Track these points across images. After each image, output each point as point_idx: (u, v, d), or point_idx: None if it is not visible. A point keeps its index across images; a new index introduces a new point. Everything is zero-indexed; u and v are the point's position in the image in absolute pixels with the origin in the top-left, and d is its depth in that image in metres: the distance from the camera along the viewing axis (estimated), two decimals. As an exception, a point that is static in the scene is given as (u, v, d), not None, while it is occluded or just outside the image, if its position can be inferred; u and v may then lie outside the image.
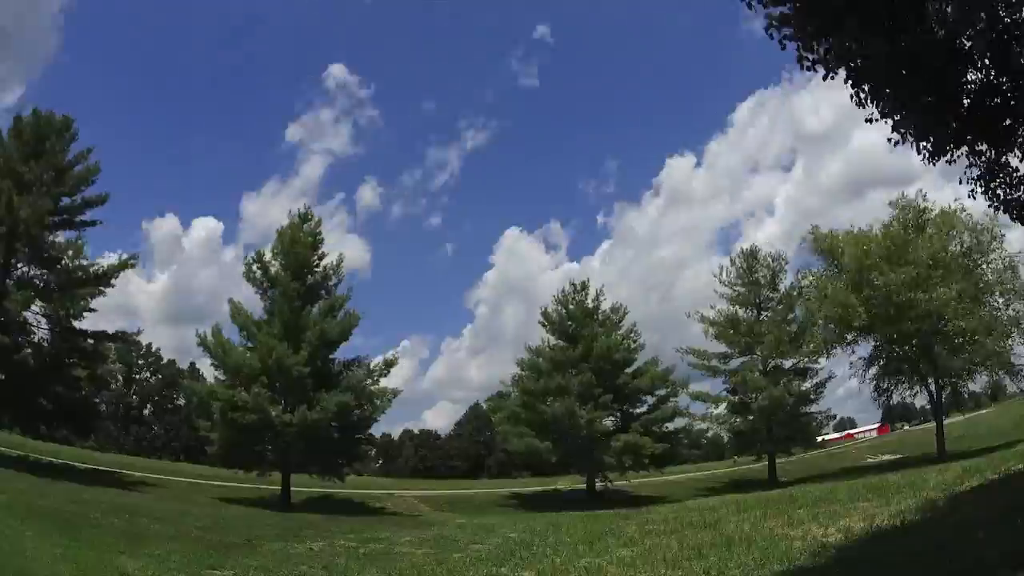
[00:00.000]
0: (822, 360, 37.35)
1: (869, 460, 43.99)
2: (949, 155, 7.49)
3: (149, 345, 73.28)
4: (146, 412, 75.53)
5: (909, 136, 7.36)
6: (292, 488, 29.07)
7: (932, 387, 32.94)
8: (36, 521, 12.50)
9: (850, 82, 7.01)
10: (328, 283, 31.16)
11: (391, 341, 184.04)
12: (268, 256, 30.84)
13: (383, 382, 30.46)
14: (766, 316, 39.85)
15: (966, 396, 41.72)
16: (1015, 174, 7.49)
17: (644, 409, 38.71)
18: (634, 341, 38.81)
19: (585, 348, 37.25)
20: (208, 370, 38.04)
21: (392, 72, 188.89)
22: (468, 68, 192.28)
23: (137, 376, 75.57)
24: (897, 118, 7.19)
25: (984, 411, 57.07)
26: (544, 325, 39.74)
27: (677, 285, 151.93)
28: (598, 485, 37.35)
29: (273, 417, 26.75)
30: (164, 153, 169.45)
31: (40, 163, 27.55)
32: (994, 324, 30.05)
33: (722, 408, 39.94)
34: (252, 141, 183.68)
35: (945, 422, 35.27)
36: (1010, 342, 30.53)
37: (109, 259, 29.88)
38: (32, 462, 26.48)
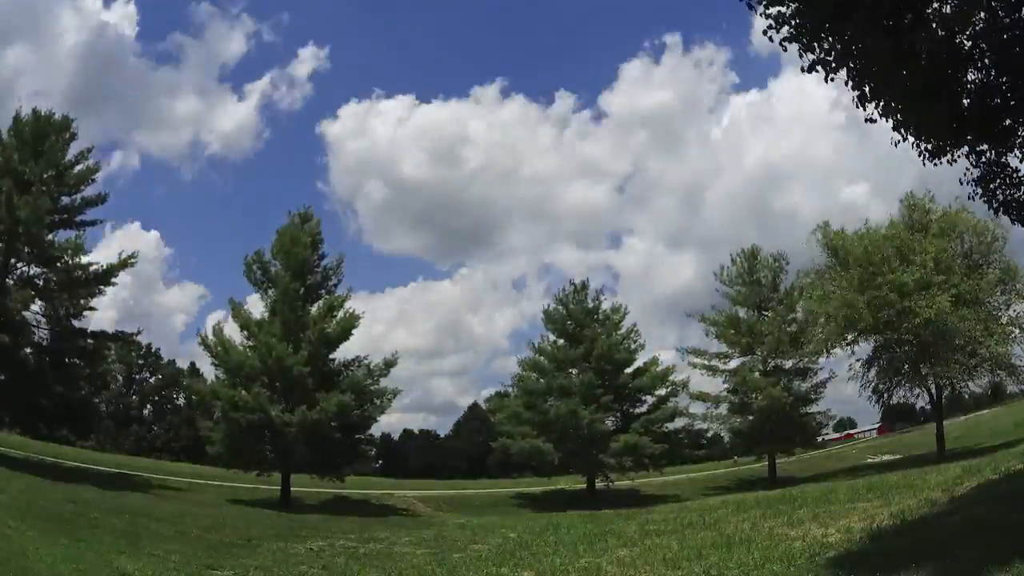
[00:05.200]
0: (822, 360, 37.34)
1: (869, 460, 44.00)
2: (949, 155, 7.49)
3: (149, 345, 73.33)
4: (146, 412, 75.49)
5: (909, 135, 7.36)
6: (292, 488, 29.06)
7: (932, 387, 32.90)
8: (36, 521, 12.50)
9: (851, 82, 7.01)
10: (328, 283, 31.20)
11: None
12: (268, 256, 30.86)
13: (383, 382, 30.49)
14: (767, 316, 39.83)
15: (966, 396, 41.69)
16: (1015, 175, 7.49)
17: (644, 409, 38.71)
18: (634, 341, 38.85)
19: (586, 348, 37.28)
20: (208, 369, 38.05)
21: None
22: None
23: (137, 376, 75.54)
24: (897, 117, 7.19)
25: (984, 411, 57.10)
26: (545, 324, 39.83)
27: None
28: (599, 485, 37.34)
29: (273, 417, 26.75)
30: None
31: (40, 162, 27.54)
32: (994, 325, 30.01)
33: (722, 408, 39.93)
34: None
35: (945, 422, 35.24)
36: (1010, 342, 30.48)
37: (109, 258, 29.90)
38: (33, 462, 26.47)
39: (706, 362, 40.32)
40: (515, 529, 16.91)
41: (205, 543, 13.59)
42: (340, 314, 30.34)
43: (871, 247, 31.37)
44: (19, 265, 27.53)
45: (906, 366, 32.07)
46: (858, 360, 33.86)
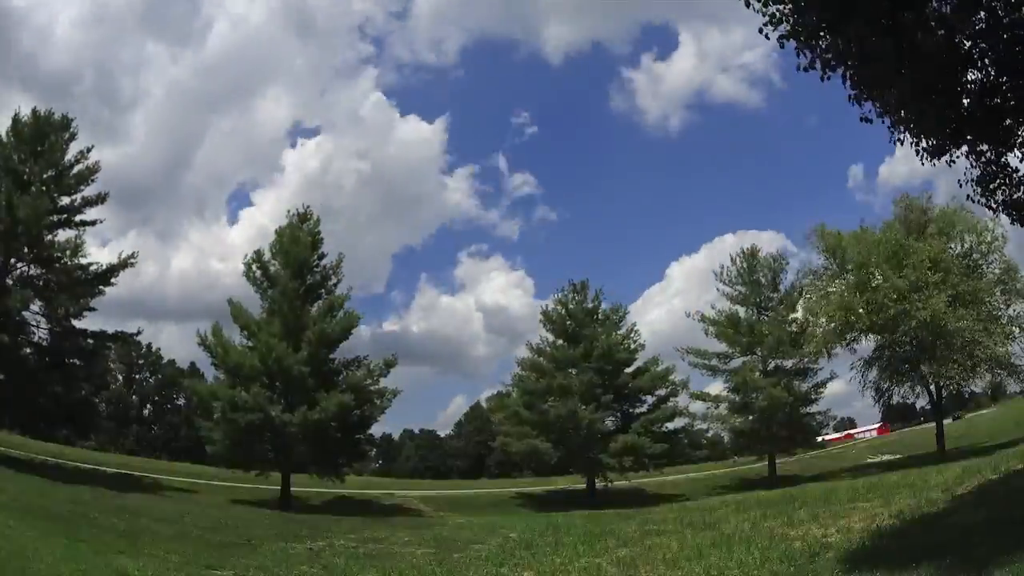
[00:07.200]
0: (822, 360, 37.35)
1: (869, 460, 43.97)
2: (949, 155, 7.48)
3: (149, 345, 73.37)
4: (146, 412, 75.55)
5: (908, 136, 7.35)
6: (292, 488, 29.05)
7: (932, 387, 32.91)
8: (36, 521, 12.50)
9: (848, 82, 6.99)
10: (328, 283, 31.15)
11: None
12: (267, 256, 30.81)
13: (383, 382, 30.46)
14: (767, 316, 39.81)
15: (966, 396, 41.76)
16: (1015, 175, 7.48)
17: (644, 409, 38.69)
18: (634, 341, 38.83)
19: (586, 348, 37.26)
20: (208, 369, 38.04)
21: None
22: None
23: (137, 376, 75.55)
24: (896, 117, 7.18)
25: (984, 411, 57.10)
26: (544, 324, 39.78)
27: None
28: (598, 485, 37.34)
29: (273, 417, 26.74)
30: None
31: (39, 162, 27.52)
32: (994, 325, 30.01)
33: (722, 408, 39.90)
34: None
35: (945, 422, 35.25)
36: (1010, 342, 30.48)
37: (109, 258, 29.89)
38: (33, 462, 26.47)
39: (706, 362, 40.30)
40: (515, 529, 16.88)
41: (205, 543, 13.57)
42: (340, 314, 30.33)
43: (867, 249, 31.40)
44: (19, 265, 27.50)
45: (906, 366, 32.10)
46: (860, 359, 33.94)
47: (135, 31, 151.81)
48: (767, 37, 6.87)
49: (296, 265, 30.01)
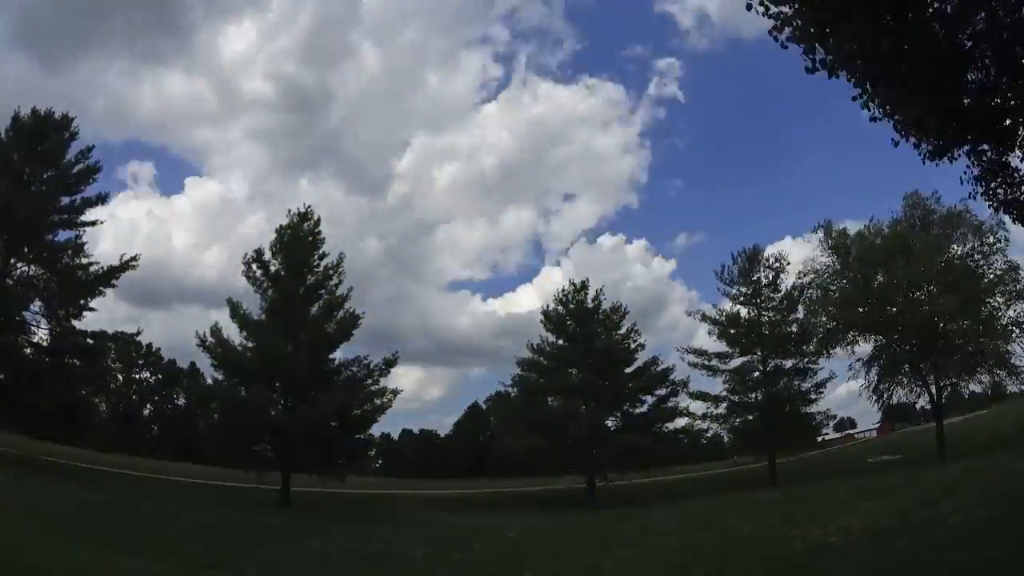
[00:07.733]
0: (822, 360, 37.31)
1: (869, 460, 43.93)
2: (950, 154, 7.49)
3: (149, 345, 73.22)
4: (146, 412, 75.43)
5: (910, 135, 7.36)
6: (292, 488, 28.99)
7: (932, 387, 32.90)
8: (36, 521, 12.49)
9: (852, 82, 7.00)
10: (328, 283, 31.06)
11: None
12: (268, 255, 30.73)
13: (383, 381, 30.40)
14: (767, 316, 39.75)
15: (966, 396, 41.69)
16: (1016, 174, 7.49)
17: (644, 409, 38.68)
18: (634, 341, 38.80)
19: (585, 347, 37.24)
20: (208, 369, 37.91)
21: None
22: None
23: (137, 376, 75.45)
24: (899, 117, 7.19)
25: (984, 411, 57.01)
26: (544, 324, 39.75)
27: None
28: (598, 485, 37.33)
29: (273, 416, 26.70)
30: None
31: (40, 162, 27.51)
32: (994, 325, 30.00)
33: (722, 408, 39.85)
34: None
35: (945, 422, 35.20)
36: (1010, 342, 30.47)
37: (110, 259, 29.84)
38: (32, 462, 26.47)
39: (706, 362, 40.24)
40: (515, 529, 16.90)
41: (205, 543, 13.56)
42: (340, 314, 30.26)
43: (872, 246, 31.40)
44: (19, 265, 27.48)
45: (906, 366, 32.08)
46: (859, 360, 33.92)
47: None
48: (775, 39, 6.87)
49: (296, 265, 29.94)
